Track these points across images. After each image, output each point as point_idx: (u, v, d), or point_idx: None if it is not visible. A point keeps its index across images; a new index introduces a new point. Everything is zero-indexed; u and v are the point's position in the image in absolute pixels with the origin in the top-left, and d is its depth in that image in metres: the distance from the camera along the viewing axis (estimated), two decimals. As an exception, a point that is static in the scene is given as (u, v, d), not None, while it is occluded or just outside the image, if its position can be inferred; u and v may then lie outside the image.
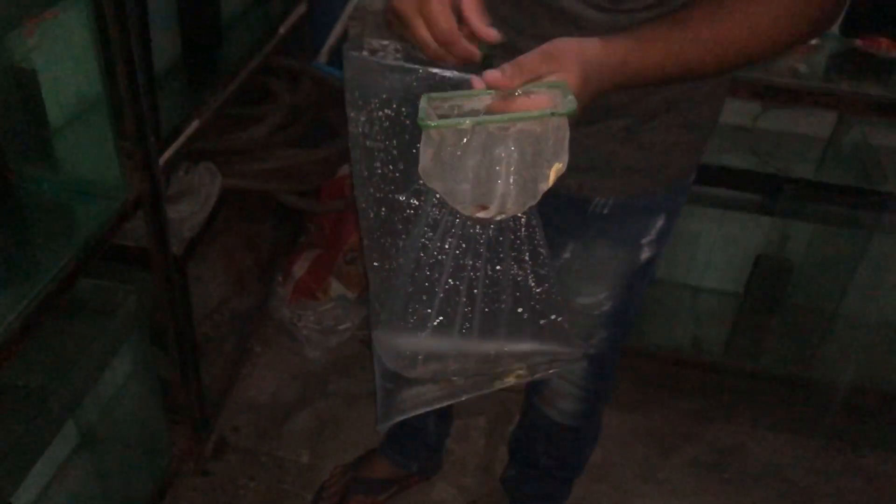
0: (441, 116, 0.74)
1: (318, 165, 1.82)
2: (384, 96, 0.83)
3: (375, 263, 0.92)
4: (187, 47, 1.60)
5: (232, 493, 1.75)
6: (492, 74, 0.73)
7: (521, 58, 0.74)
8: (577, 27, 0.90)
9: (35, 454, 1.16)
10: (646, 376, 2.07)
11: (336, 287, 2.12)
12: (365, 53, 0.83)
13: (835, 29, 1.74)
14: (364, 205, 0.90)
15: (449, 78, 0.78)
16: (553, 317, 0.90)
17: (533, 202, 0.75)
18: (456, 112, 0.75)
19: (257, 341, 2.13)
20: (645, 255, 1.16)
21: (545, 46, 0.75)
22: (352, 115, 0.86)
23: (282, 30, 1.84)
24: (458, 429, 1.75)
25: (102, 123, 1.23)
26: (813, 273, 2.10)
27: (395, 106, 0.83)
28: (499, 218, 0.77)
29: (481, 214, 0.76)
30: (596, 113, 0.96)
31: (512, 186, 0.73)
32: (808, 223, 2.04)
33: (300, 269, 2.12)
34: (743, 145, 1.92)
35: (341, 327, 2.12)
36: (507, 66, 0.73)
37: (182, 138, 1.43)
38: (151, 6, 1.31)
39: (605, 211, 1.08)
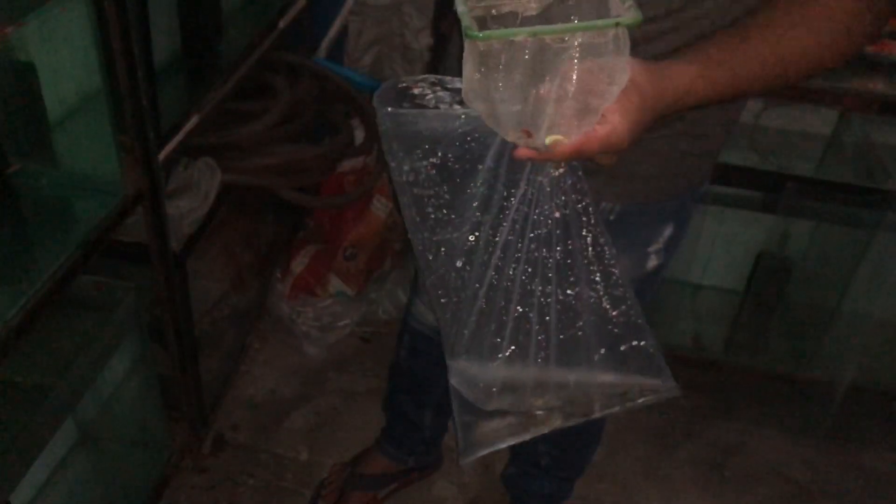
0: (477, 20, 0.69)
1: (318, 161, 1.81)
2: (426, 147, 0.81)
3: (443, 300, 0.90)
4: (187, 42, 1.59)
5: (230, 490, 1.75)
6: None
7: None
8: None
9: (35, 451, 1.15)
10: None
11: (335, 283, 2.11)
12: (402, 110, 0.80)
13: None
14: (420, 247, 0.88)
15: None
16: (636, 342, 0.86)
17: (588, 128, 0.71)
18: (494, 13, 0.70)
19: (256, 338, 2.12)
20: (652, 262, 1.14)
21: None
22: (393, 164, 0.84)
23: (281, 24, 1.83)
24: (458, 426, 1.75)
25: (102, 118, 1.22)
26: (814, 271, 2.10)
27: (439, 154, 0.81)
28: (548, 141, 0.71)
29: (525, 141, 0.72)
30: None
31: (566, 108, 0.69)
32: (809, 221, 2.04)
33: (299, 265, 2.11)
34: (744, 142, 1.92)
35: (340, 324, 2.11)
36: None
37: (182, 133, 1.42)
38: (151, 0, 1.30)
39: (612, 217, 1.06)
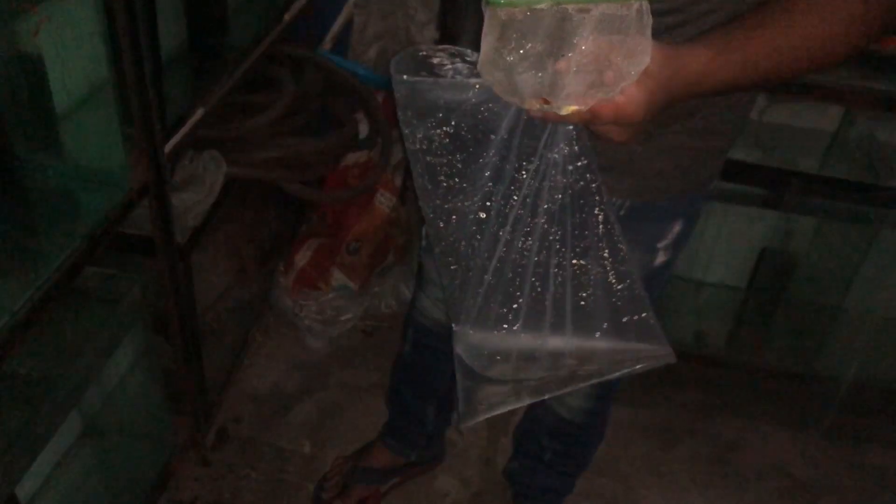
0: None
1: (323, 155, 1.81)
2: (440, 115, 0.81)
3: (452, 267, 0.92)
4: (193, 35, 1.59)
5: (233, 483, 1.75)
6: None
7: None
8: None
9: (40, 444, 1.15)
10: (648, 370, 2.07)
11: (338, 277, 2.11)
12: (417, 78, 0.80)
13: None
14: (432, 215, 0.89)
15: None
16: (637, 314, 0.88)
17: (605, 97, 0.71)
18: None
19: (259, 331, 2.12)
20: (660, 259, 1.15)
21: None
22: (406, 132, 0.85)
23: (287, 17, 1.83)
24: (461, 421, 1.75)
25: (108, 111, 1.22)
26: (817, 268, 2.10)
27: (453, 123, 0.81)
28: (564, 112, 0.72)
29: (542, 107, 0.72)
30: None
31: (585, 80, 0.69)
32: (813, 218, 2.03)
33: (302, 258, 2.11)
34: (748, 139, 1.92)
35: (343, 318, 2.11)
36: None
37: (187, 126, 1.42)
38: (158, -8, 1.30)
39: (622, 212, 1.07)
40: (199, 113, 1.45)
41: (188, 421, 1.72)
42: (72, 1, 1.14)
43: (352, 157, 2.03)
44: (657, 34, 0.84)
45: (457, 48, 0.81)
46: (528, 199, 0.82)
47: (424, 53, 0.81)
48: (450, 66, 0.80)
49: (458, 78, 0.79)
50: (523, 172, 0.82)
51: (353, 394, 1.99)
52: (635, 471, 1.89)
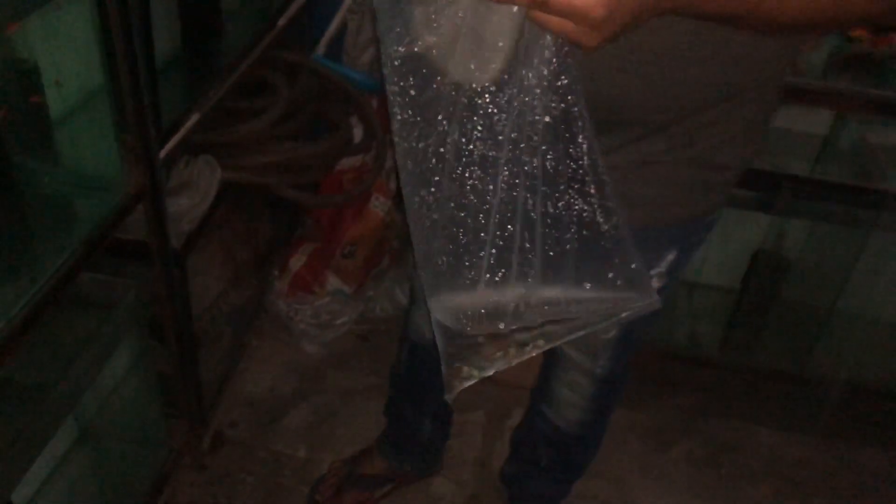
0: None
1: (317, 159, 1.81)
2: (398, 30, 0.71)
3: (416, 223, 0.81)
4: (187, 40, 1.59)
5: (229, 488, 1.75)
6: None
7: None
8: None
9: (36, 450, 1.15)
10: (642, 371, 2.06)
11: (333, 281, 2.11)
12: None
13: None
14: (399, 160, 0.79)
15: None
16: (621, 259, 0.78)
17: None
18: None
19: (254, 335, 2.13)
20: (654, 285, 1.10)
21: None
22: (381, 56, 0.75)
23: (281, 22, 1.83)
24: (456, 424, 1.75)
25: (103, 116, 1.22)
26: (810, 270, 2.11)
27: (407, 40, 0.71)
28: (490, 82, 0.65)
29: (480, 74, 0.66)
30: (612, 134, 0.91)
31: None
32: (805, 220, 2.04)
33: (297, 263, 2.11)
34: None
35: (338, 322, 2.12)
36: None
37: (182, 131, 1.42)
38: (153, -2, 1.30)
39: None
40: (194, 118, 1.46)
41: (184, 425, 1.72)
42: (66, 7, 1.15)
43: (346, 162, 2.03)
44: None
45: None
46: (496, 129, 0.71)
47: None
48: None
49: None
50: (486, 96, 0.70)
51: (349, 397, 1.99)
52: (629, 472, 1.90)
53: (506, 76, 0.69)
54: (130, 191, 1.27)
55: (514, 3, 0.63)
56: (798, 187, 1.78)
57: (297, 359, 2.09)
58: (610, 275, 0.79)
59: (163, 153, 1.34)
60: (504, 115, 0.70)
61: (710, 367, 2.08)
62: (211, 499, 1.73)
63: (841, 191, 1.80)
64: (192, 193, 1.49)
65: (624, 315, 0.82)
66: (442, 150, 0.74)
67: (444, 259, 0.79)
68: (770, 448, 1.98)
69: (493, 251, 0.75)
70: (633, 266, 0.79)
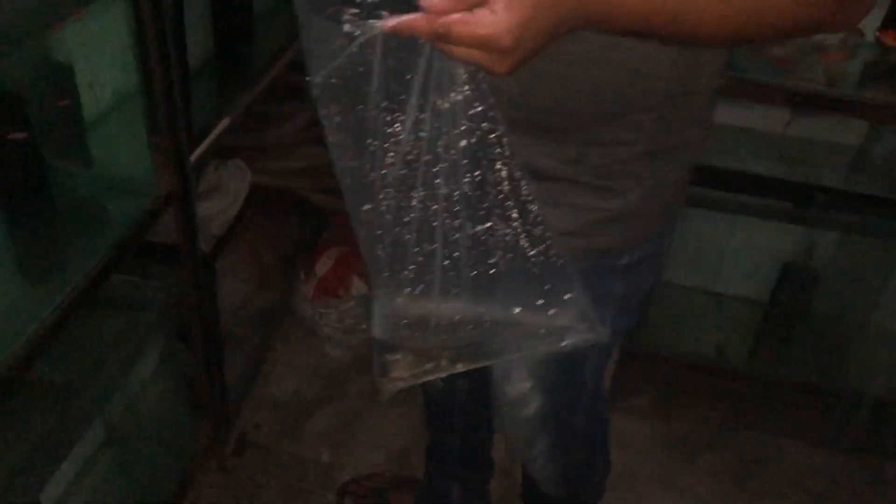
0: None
1: (346, 164, 1.82)
2: (316, 58, 0.72)
3: (360, 231, 0.83)
4: (219, 44, 1.60)
5: (252, 491, 1.75)
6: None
7: None
8: None
9: (64, 451, 1.16)
10: (668, 383, 2.06)
11: (358, 286, 2.11)
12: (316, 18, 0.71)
13: (870, 35, 1.72)
14: (338, 176, 0.80)
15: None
16: (557, 284, 0.78)
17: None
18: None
19: (279, 339, 2.13)
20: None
21: None
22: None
23: (311, 27, 1.83)
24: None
25: (135, 120, 1.23)
26: (840, 283, 2.08)
27: (323, 71, 0.71)
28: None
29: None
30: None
31: None
32: (836, 232, 2.02)
33: (323, 267, 2.11)
34: (772, 152, 1.91)
35: (363, 326, 2.11)
36: None
37: (213, 135, 1.43)
38: (186, 3, 1.31)
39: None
40: (225, 122, 1.46)
41: (209, 427, 1.73)
42: (102, 11, 1.15)
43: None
44: None
45: None
46: (410, 156, 0.72)
47: None
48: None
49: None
50: (397, 125, 0.71)
51: (372, 402, 1.99)
52: (652, 485, 1.88)
53: (419, 101, 0.69)
54: (161, 194, 1.28)
55: (417, 37, 0.62)
56: (830, 199, 1.76)
57: (322, 363, 2.09)
58: (539, 301, 0.79)
59: (194, 157, 1.35)
60: (414, 140, 0.71)
61: (738, 379, 2.05)
62: (234, 501, 1.73)
63: (873, 203, 1.78)
64: (222, 197, 1.50)
65: (564, 344, 0.81)
66: (372, 170, 0.75)
67: (376, 268, 0.82)
68: (797, 463, 1.95)
69: (413, 266, 0.77)
70: (568, 296, 0.79)
